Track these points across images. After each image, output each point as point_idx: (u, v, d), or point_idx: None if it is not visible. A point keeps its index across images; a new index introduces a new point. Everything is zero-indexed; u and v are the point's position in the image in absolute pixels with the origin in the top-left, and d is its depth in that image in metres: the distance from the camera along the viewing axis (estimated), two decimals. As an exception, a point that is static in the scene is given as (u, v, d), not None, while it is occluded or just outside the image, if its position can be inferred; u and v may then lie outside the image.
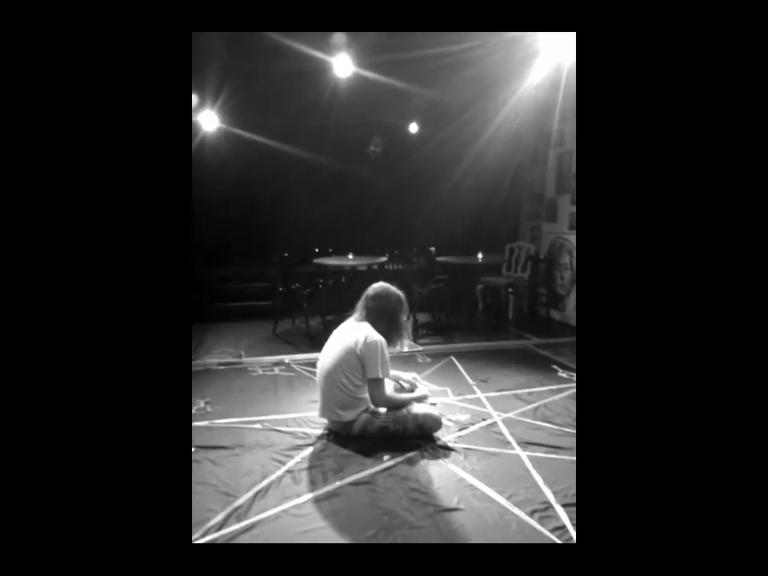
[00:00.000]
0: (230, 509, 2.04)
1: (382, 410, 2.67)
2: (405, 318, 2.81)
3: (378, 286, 2.78)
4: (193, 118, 5.17)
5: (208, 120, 5.34)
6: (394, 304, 2.72)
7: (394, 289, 2.77)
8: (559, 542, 1.85)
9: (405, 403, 2.69)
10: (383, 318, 2.69)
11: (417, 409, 2.68)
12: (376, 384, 2.61)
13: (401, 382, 3.03)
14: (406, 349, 2.80)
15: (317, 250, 5.79)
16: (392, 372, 2.82)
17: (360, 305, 2.76)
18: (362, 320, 2.71)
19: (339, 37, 4.08)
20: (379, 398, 2.64)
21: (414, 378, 3.07)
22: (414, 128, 6.27)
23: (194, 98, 5.02)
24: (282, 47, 3.87)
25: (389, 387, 2.85)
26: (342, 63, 4.26)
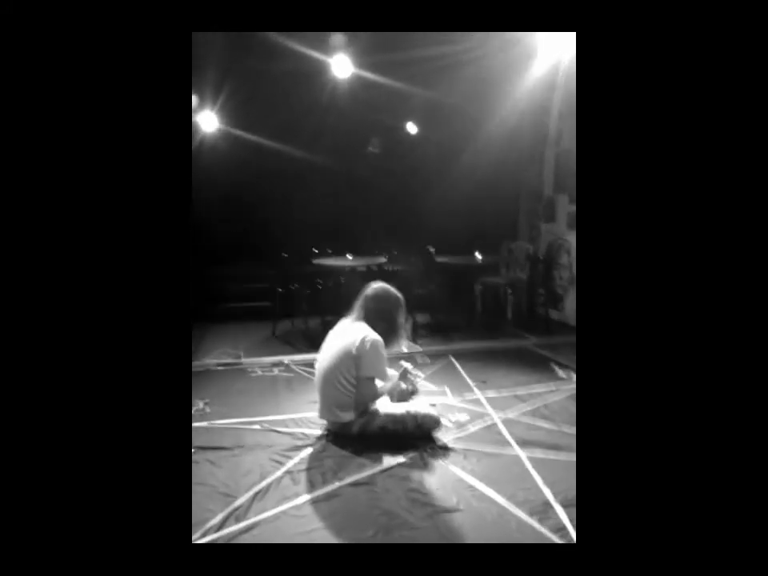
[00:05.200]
0: (229, 509, 2.04)
1: (381, 410, 2.67)
2: (403, 319, 2.80)
3: (377, 286, 2.78)
4: (192, 119, 5.17)
5: (207, 121, 5.34)
6: (393, 305, 2.72)
7: (392, 289, 2.77)
8: (559, 541, 1.85)
9: (392, 387, 2.83)
10: (381, 318, 2.69)
11: (416, 409, 2.68)
12: (368, 383, 2.61)
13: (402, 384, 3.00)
14: (404, 350, 2.79)
15: (316, 250, 5.78)
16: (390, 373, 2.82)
17: (358, 305, 2.76)
18: (359, 320, 2.71)
19: (338, 37, 4.09)
20: (369, 396, 2.64)
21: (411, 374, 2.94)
22: (412, 128, 6.27)
23: (194, 99, 5.02)
24: (282, 48, 3.88)
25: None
26: (341, 64, 4.27)
